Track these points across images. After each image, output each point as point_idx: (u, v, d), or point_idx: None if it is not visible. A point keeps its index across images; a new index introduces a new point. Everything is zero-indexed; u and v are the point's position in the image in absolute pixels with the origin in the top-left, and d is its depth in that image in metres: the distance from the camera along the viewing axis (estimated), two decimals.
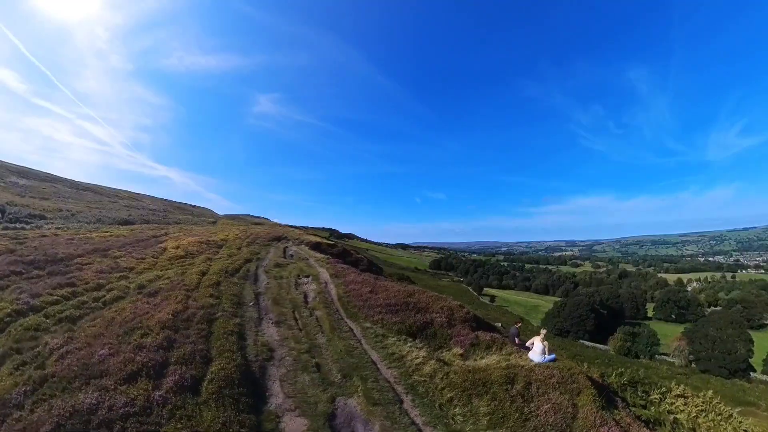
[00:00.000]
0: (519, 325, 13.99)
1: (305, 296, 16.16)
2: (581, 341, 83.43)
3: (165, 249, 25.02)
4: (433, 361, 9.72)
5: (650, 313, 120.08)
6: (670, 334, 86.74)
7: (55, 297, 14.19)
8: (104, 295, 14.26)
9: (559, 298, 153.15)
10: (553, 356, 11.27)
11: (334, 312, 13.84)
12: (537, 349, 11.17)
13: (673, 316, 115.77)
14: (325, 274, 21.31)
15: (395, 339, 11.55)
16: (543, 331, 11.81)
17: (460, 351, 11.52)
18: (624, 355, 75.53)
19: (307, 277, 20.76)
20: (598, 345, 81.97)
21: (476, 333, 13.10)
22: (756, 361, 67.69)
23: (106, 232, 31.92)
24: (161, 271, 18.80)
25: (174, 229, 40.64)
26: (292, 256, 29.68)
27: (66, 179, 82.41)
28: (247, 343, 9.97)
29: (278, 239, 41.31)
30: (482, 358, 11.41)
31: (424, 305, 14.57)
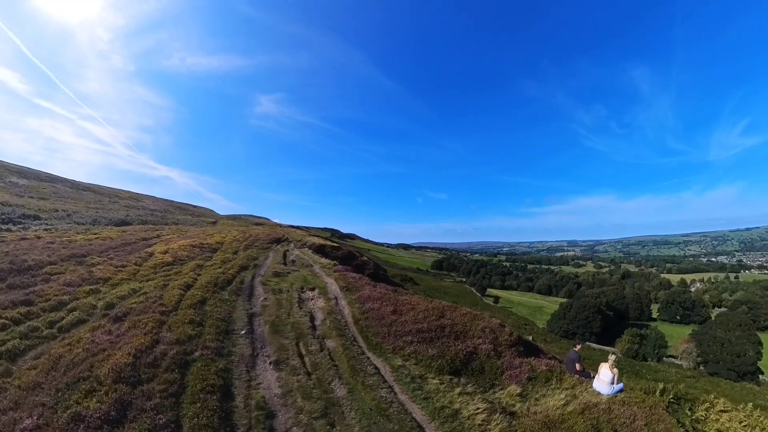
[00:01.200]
0: (579, 347, 11.58)
1: (312, 318, 13.40)
2: (588, 343, 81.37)
3: (151, 254, 22.37)
4: (498, 416, 7.17)
5: (655, 314, 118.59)
6: (676, 336, 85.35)
7: (3, 321, 11.56)
8: (63, 318, 11.70)
9: (563, 299, 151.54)
10: (621, 386, 9.64)
11: (352, 342, 11.14)
12: (605, 378, 9.38)
13: (678, 317, 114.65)
14: (333, 286, 18.46)
15: (437, 381, 9.00)
16: (612, 357, 9.88)
17: (518, 390, 9.25)
18: (632, 358, 73.83)
19: (313, 290, 17.80)
20: (605, 347, 79.98)
21: (528, 361, 10.73)
22: (764, 363, 66.05)
23: (95, 234, 29.34)
24: (140, 282, 16.15)
25: (169, 231, 37.97)
26: (293, 261, 26.79)
27: (66, 179, 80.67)
28: (235, 403, 7.18)
29: (278, 241, 38.58)
30: (544, 395, 9.32)
31: (461, 328, 12.04)
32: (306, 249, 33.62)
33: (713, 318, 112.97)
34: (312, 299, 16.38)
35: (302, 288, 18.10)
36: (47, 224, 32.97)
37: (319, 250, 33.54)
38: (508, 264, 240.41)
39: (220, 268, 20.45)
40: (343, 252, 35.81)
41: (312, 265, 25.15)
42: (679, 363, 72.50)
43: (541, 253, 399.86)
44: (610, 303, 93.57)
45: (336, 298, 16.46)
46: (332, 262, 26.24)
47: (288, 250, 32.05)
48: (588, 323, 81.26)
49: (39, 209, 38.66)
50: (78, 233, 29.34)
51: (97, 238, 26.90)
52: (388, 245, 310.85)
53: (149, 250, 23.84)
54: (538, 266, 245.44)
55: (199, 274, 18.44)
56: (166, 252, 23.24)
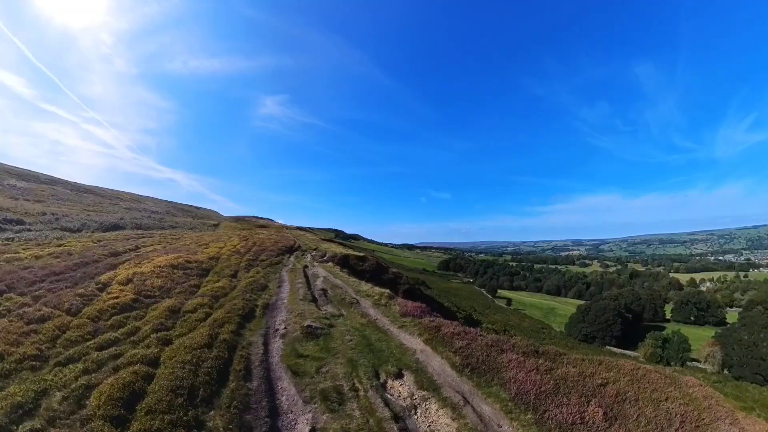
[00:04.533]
0: None
1: None
2: (608, 347, 79.23)
3: (106, 285, 15.34)
4: None
5: (668, 315, 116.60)
6: (692, 337, 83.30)
7: None
8: None
9: (573, 299, 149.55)
10: None
11: None
12: None
13: (692, 318, 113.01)
14: (433, 360, 10.20)
15: None
16: None
17: None
18: (656, 363, 71.96)
19: (400, 376, 9.33)
20: (626, 351, 77.85)
21: None
22: None
23: (57, 247, 22.40)
24: (48, 373, 8.03)
25: (159, 238, 33.42)
26: (324, 293, 18.59)
27: (68, 182, 79.30)
28: None
29: (290, 251, 33.63)
30: None
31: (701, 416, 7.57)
32: (330, 264, 28.21)
33: (728, 319, 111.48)
34: (419, 415, 7.87)
35: (377, 375, 9.27)
36: (30, 229, 30.69)
37: (344, 262, 29.06)
38: (514, 264, 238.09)
39: (205, 322, 12.53)
40: (371, 263, 31.87)
41: (357, 301, 17.12)
42: (703, 367, 70.65)
43: (546, 252, 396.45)
44: (628, 305, 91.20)
45: (465, 399, 8.23)
46: (384, 291, 18.45)
47: (307, 267, 25.70)
48: (608, 327, 78.91)
49: (26, 213, 36.37)
50: (39, 244, 23.17)
51: (50, 254, 19.71)
52: (393, 245, 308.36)
53: (107, 276, 16.34)
54: (544, 266, 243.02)
55: (166, 341, 10.50)
56: (129, 280, 16.03)
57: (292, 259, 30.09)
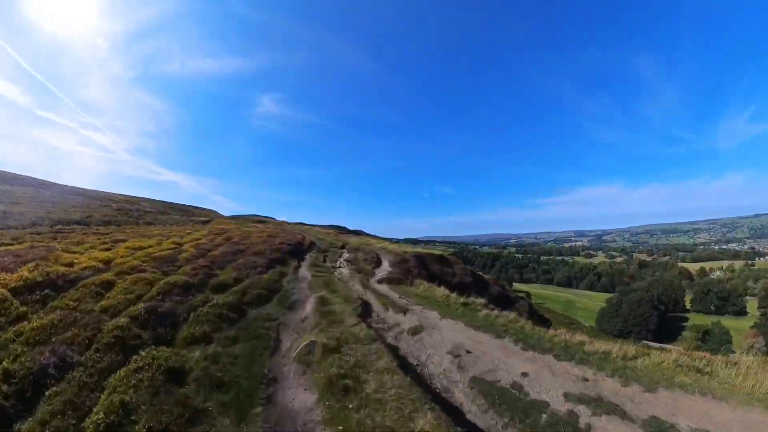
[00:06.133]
0: None
1: None
2: (644, 342, 74.52)
3: None
4: None
5: (687, 305, 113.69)
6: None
7: None
8: None
9: (586, 291, 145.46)
10: None
11: None
12: None
13: (712, 308, 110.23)
14: None
15: None
16: None
17: None
18: None
19: None
20: (665, 345, 73.11)
21: None
22: None
23: None
24: None
25: (80, 236, 23.34)
26: None
27: (57, 184, 74.35)
28: None
29: (297, 253, 20.89)
30: None
31: None
32: (424, 285, 15.86)
33: (747, 308, 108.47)
34: None
35: None
36: None
37: (422, 268, 17.57)
38: (520, 256, 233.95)
39: None
40: (461, 269, 19.45)
41: None
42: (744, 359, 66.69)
43: (549, 243, 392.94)
44: (660, 296, 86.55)
45: None
46: None
47: (371, 310, 12.08)
48: (644, 320, 73.95)
49: None
50: None
51: None
52: (397, 240, 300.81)
53: None
54: (550, 257, 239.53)
55: None
56: None
57: (305, 271, 16.23)
